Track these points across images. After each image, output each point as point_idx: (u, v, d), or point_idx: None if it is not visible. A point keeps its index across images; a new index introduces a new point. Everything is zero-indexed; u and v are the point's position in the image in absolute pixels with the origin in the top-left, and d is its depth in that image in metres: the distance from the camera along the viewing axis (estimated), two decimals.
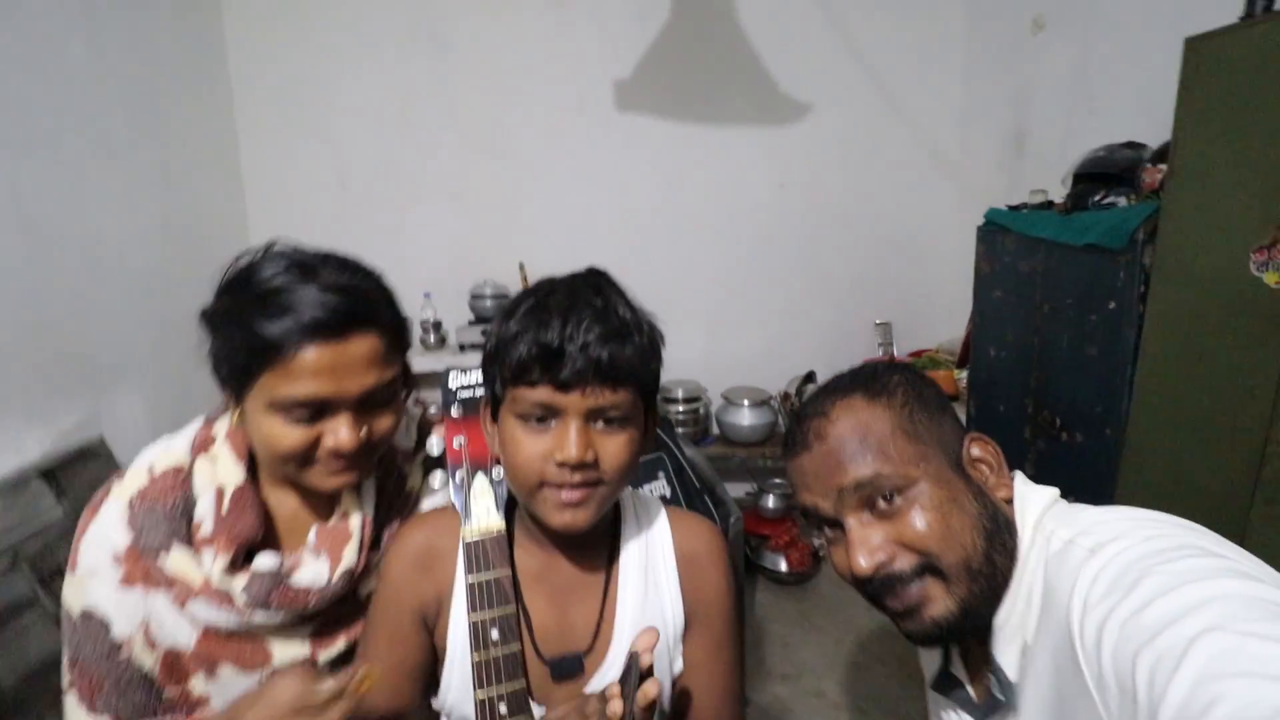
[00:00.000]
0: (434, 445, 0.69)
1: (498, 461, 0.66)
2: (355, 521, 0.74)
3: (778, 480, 2.69)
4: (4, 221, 1.65)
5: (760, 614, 2.35)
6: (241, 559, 0.69)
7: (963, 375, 2.45)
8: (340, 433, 0.65)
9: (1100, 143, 1.85)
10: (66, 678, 0.67)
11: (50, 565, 1.56)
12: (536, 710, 0.64)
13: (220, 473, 0.70)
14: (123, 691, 0.65)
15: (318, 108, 2.68)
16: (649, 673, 0.53)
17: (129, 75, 2.09)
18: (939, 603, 0.59)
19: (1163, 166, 1.51)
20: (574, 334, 0.58)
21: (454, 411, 0.69)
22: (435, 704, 0.70)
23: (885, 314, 2.97)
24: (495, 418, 0.65)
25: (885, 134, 2.86)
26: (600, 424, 0.61)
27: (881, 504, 0.60)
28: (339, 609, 0.72)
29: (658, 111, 2.78)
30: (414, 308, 0.65)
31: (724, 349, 2.96)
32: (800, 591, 2.49)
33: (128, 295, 2.03)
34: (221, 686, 0.69)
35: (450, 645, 0.66)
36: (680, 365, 2.84)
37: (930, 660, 0.75)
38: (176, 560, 0.67)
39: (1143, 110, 1.88)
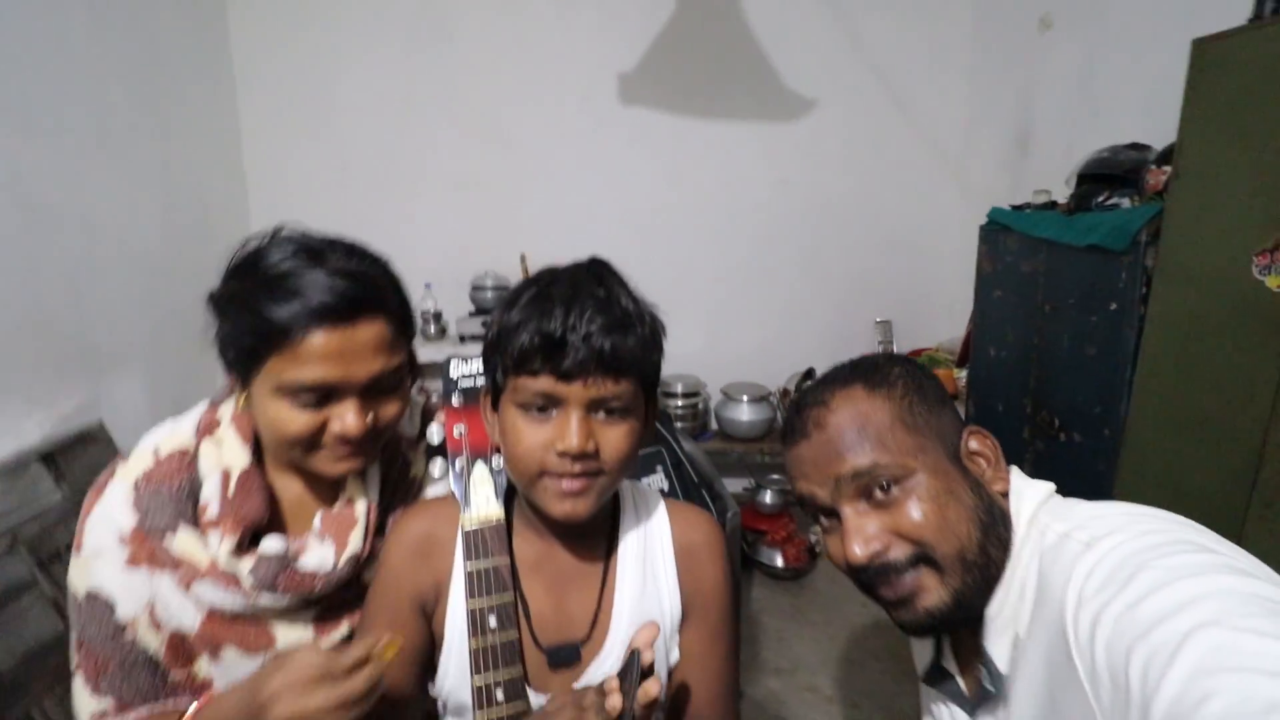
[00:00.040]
0: (434, 434, 0.69)
1: (497, 450, 0.67)
2: (360, 507, 0.74)
3: (775, 476, 2.70)
4: (4, 206, 1.64)
5: (756, 608, 2.36)
6: (247, 542, 0.69)
7: (962, 374, 2.45)
8: (347, 418, 0.65)
9: (1105, 143, 1.85)
10: (74, 659, 0.67)
11: (49, 549, 1.56)
12: (533, 697, 0.64)
13: (226, 456, 0.70)
14: (127, 673, 0.65)
15: (321, 96, 2.67)
16: (650, 670, 0.53)
17: (131, 60, 2.08)
18: (933, 593, 0.59)
19: (1167, 168, 1.51)
20: (576, 324, 0.58)
21: (454, 400, 0.69)
22: (432, 690, 0.70)
23: (886, 312, 2.97)
24: (495, 407, 0.65)
25: (889, 132, 2.85)
26: (601, 414, 0.61)
27: (878, 494, 0.60)
28: (342, 594, 0.73)
29: (661, 105, 2.77)
30: (415, 298, 0.66)
31: (724, 344, 2.96)
32: (796, 587, 2.50)
33: (128, 280, 2.03)
34: (225, 669, 0.69)
35: (448, 632, 0.67)
36: (680, 360, 2.85)
37: (922, 653, 0.75)
38: (183, 541, 0.67)
39: (1148, 112, 1.88)
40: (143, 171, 2.12)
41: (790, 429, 0.67)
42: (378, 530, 0.75)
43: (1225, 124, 1.30)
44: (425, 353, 2.49)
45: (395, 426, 0.72)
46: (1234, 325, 1.27)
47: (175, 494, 0.67)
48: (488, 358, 0.65)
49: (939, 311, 2.95)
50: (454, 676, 0.66)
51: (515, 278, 2.68)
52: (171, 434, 0.72)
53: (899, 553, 0.60)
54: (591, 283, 0.61)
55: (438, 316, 2.65)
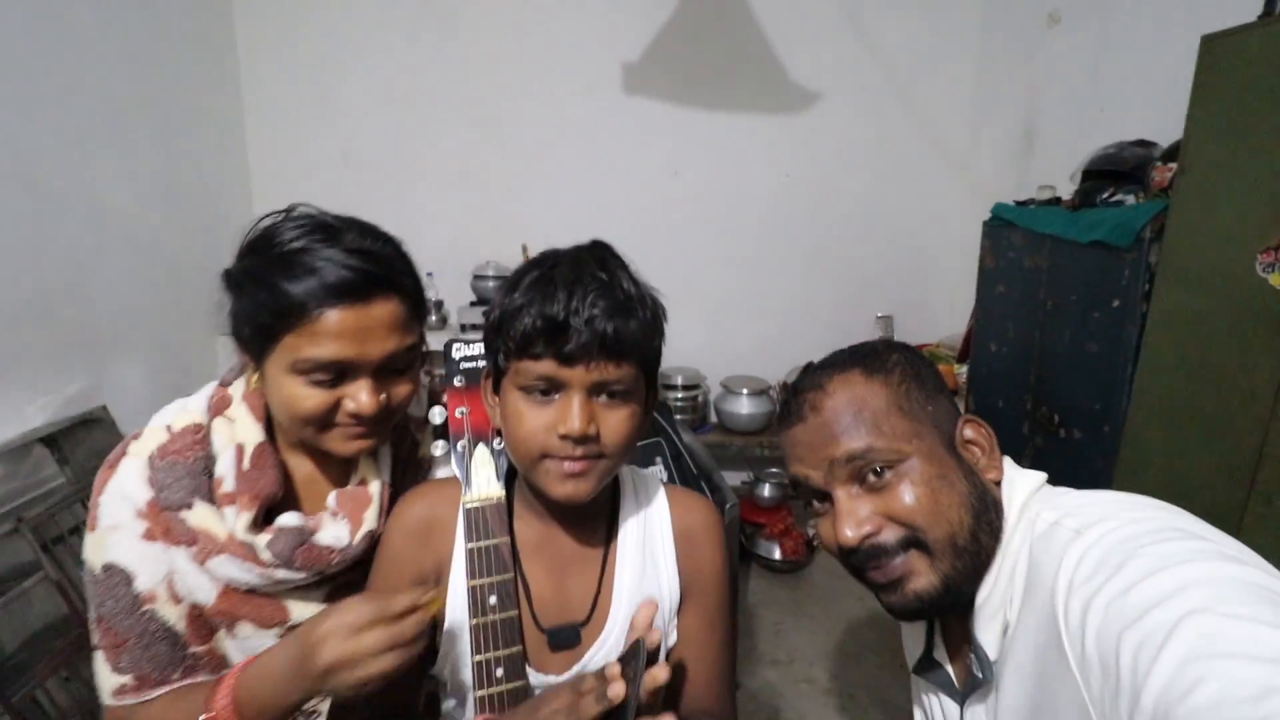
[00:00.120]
0: (436, 415, 0.70)
1: (498, 432, 0.67)
2: (374, 487, 0.74)
3: (774, 469, 2.70)
4: (9, 191, 1.64)
5: (753, 601, 2.37)
6: (262, 519, 0.69)
7: (963, 370, 2.45)
8: (360, 397, 0.66)
9: (1111, 140, 1.84)
10: (94, 635, 0.67)
11: (53, 532, 1.57)
12: (533, 676, 0.65)
13: (239, 432, 0.70)
14: (146, 646, 0.66)
15: (324, 83, 2.66)
16: (656, 656, 0.53)
17: (136, 48, 2.08)
18: (922, 577, 0.60)
19: (1172, 165, 1.50)
20: (579, 307, 0.58)
21: (456, 382, 0.69)
22: (433, 672, 0.70)
23: (887, 307, 2.97)
24: (497, 389, 0.65)
25: (894, 126, 2.84)
26: (603, 397, 0.61)
27: (871, 477, 0.61)
28: (352, 574, 0.73)
29: (665, 96, 2.76)
30: None
31: (724, 337, 2.96)
32: (793, 580, 2.51)
33: (132, 266, 2.03)
34: (240, 643, 0.70)
35: (449, 613, 0.67)
36: (680, 352, 2.85)
37: (913, 644, 0.75)
38: (200, 515, 0.67)
39: (1155, 108, 1.87)
40: (147, 159, 2.12)
41: (786, 411, 0.67)
42: (390, 509, 0.76)
43: (1232, 121, 1.29)
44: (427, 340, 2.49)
45: (407, 407, 0.73)
46: (1236, 323, 1.27)
47: (190, 468, 0.68)
48: (489, 340, 0.65)
49: (941, 307, 2.94)
50: (454, 657, 0.67)
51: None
52: (183, 410, 0.72)
53: (890, 536, 0.60)
54: (593, 265, 0.61)
55: (439, 305, 2.65)
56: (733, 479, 2.84)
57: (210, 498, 0.68)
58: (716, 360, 2.89)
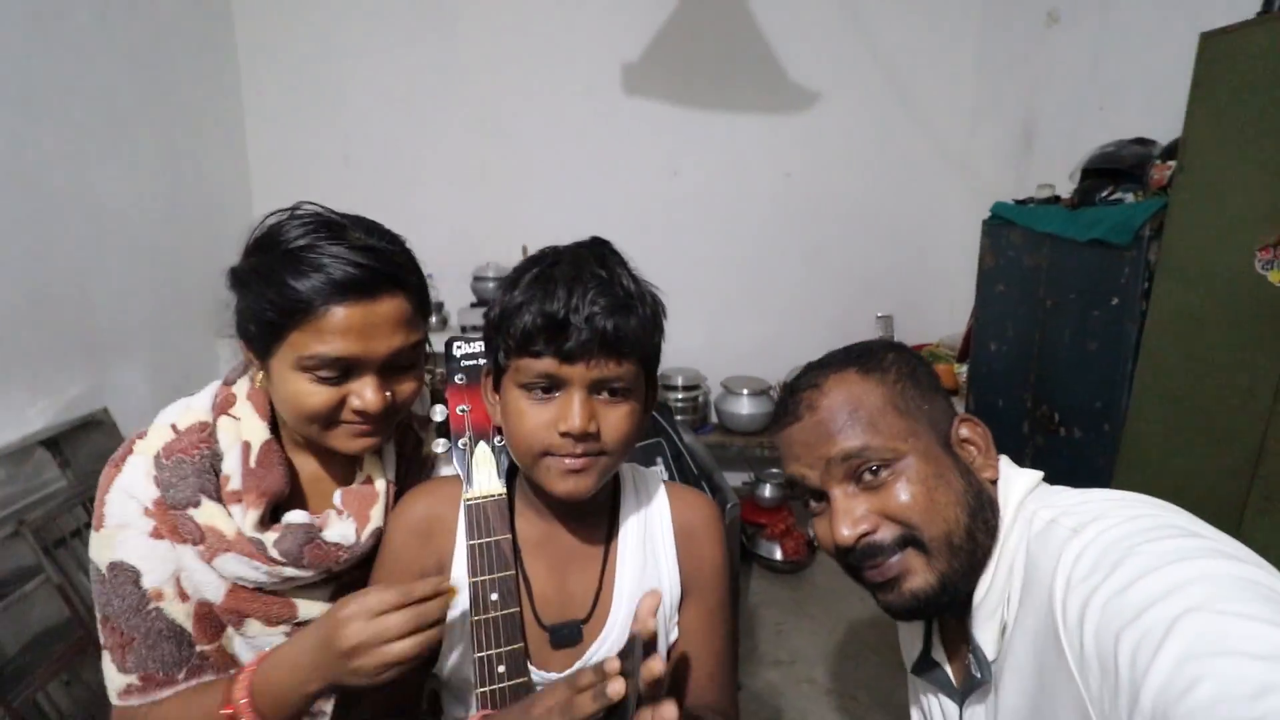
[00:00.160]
0: (438, 412, 0.70)
1: (499, 430, 0.67)
2: (380, 484, 0.75)
3: (775, 470, 2.70)
4: (10, 193, 1.64)
5: (755, 601, 2.37)
6: (269, 517, 0.70)
7: (963, 370, 2.45)
8: (366, 394, 0.66)
9: (1110, 138, 1.84)
10: (101, 636, 0.68)
11: (53, 534, 1.57)
12: (534, 674, 0.65)
13: (245, 430, 0.70)
14: (152, 645, 0.66)
15: (324, 84, 2.66)
16: (653, 645, 0.52)
17: (136, 49, 2.08)
18: (919, 575, 0.60)
19: (1171, 163, 1.51)
20: (579, 305, 0.58)
21: (458, 379, 0.70)
22: (435, 670, 0.70)
23: (887, 307, 2.97)
24: (497, 387, 0.65)
25: (894, 126, 2.84)
26: (604, 395, 0.61)
27: (868, 476, 0.61)
28: (357, 572, 0.73)
29: (665, 96, 2.76)
30: None
31: (725, 338, 2.96)
32: (795, 580, 2.51)
33: (132, 268, 2.04)
34: (248, 640, 0.70)
35: (451, 610, 0.67)
36: (680, 353, 2.85)
37: (910, 645, 0.75)
38: (207, 513, 0.67)
39: (1154, 106, 1.87)
40: (147, 161, 2.12)
41: (783, 411, 0.67)
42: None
43: (1231, 119, 1.29)
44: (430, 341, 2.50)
45: (411, 405, 0.73)
46: (1236, 320, 1.27)
47: (197, 466, 0.68)
48: (489, 338, 0.65)
49: (941, 307, 2.94)
50: (456, 655, 0.67)
51: None
52: (187, 409, 0.72)
53: (886, 534, 0.60)
54: (593, 263, 0.61)
55: (439, 307, 2.66)
56: (734, 480, 2.84)
57: (217, 495, 0.68)
58: (717, 361, 2.89)
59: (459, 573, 0.67)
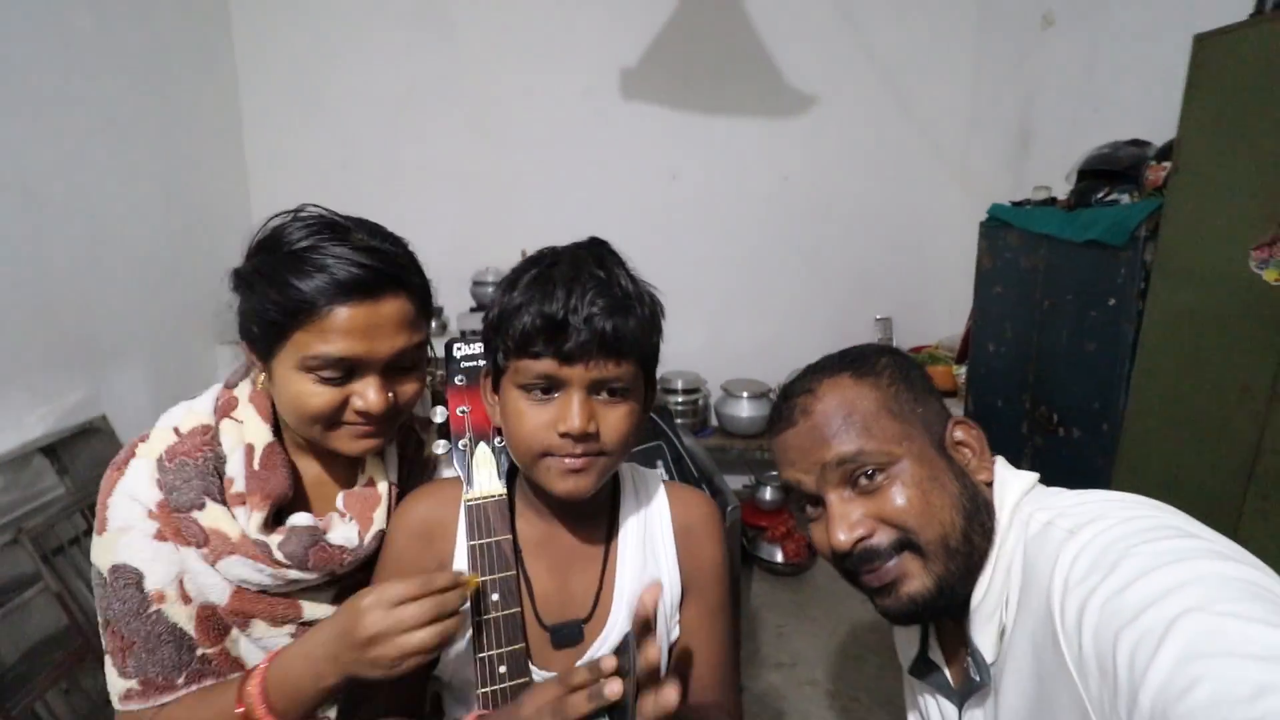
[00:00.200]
0: (438, 413, 0.70)
1: (498, 431, 0.67)
2: (382, 486, 0.75)
3: (775, 473, 2.70)
4: (8, 200, 1.65)
5: (756, 604, 2.37)
6: (272, 520, 0.70)
7: (962, 371, 2.46)
8: (369, 394, 0.66)
9: (1106, 140, 1.85)
10: (103, 641, 0.67)
11: (52, 542, 1.57)
12: (536, 673, 0.65)
13: (247, 433, 0.71)
14: (152, 649, 0.65)
15: (322, 89, 2.67)
16: (646, 628, 0.52)
17: (134, 55, 2.09)
18: (916, 579, 0.60)
19: (1167, 164, 1.51)
20: (578, 306, 0.58)
21: (458, 380, 0.70)
22: (437, 672, 0.70)
23: (886, 309, 2.98)
24: (496, 387, 0.65)
25: (891, 129, 2.86)
26: (603, 395, 0.62)
27: (863, 481, 0.61)
28: (360, 574, 0.73)
29: (663, 100, 2.77)
30: None
31: (724, 341, 2.97)
32: (796, 583, 2.50)
33: (130, 275, 2.04)
34: (254, 642, 0.70)
35: None
36: (680, 356, 2.85)
37: (907, 646, 0.75)
38: (212, 515, 0.67)
39: (1149, 108, 1.88)
40: (145, 167, 2.13)
41: (777, 416, 0.67)
42: None
43: (1225, 119, 1.30)
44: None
45: (413, 406, 0.73)
46: (1232, 319, 1.28)
47: (200, 469, 0.68)
48: (488, 339, 0.65)
49: (939, 309, 2.95)
50: (458, 656, 0.67)
51: None
52: (189, 412, 0.72)
53: (882, 538, 0.60)
54: (591, 263, 0.61)
55: (439, 312, 2.66)
56: (734, 483, 2.84)
57: (221, 498, 0.68)
58: (716, 363, 2.89)
59: None
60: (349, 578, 0.73)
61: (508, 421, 0.63)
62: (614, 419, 0.62)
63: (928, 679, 0.70)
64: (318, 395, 0.65)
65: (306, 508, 0.74)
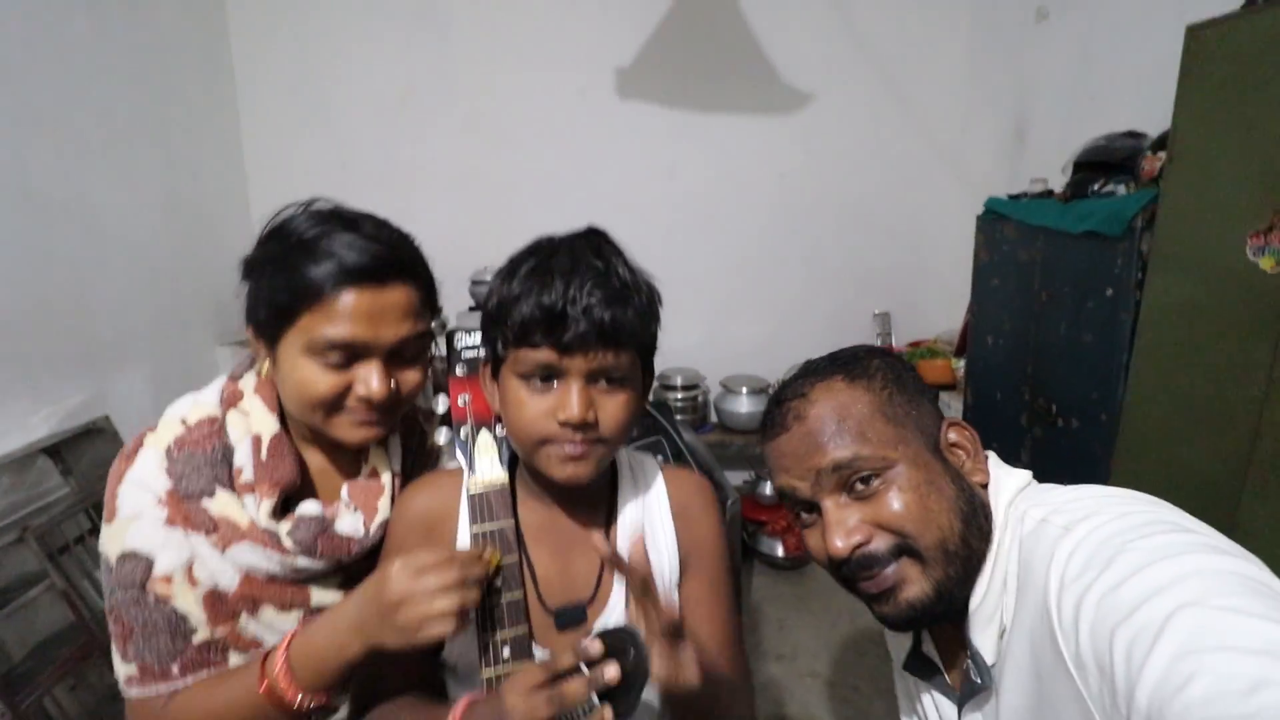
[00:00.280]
0: (440, 402, 0.71)
1: (499, 418, 0.68)
2: (385, 477, 0.76)
3: None
4: (9, 203, 1.65)
5: (757, 597, 2.38)
6: (280, 508, 0.70)
7: (960, 364, 2.47)
8: (371, 381, 0.67)
9: (1101, 131, 1.86)
10: (109, 627, 0.68)
11: (57, 541, 1.58)
12: (539, 653, 0.66)
13: (254, 423, 0.72)
14: (148, 636, 0.66)
15: (320, 90, 2.68)
16: (644, 588, 0.53)
17: (132, 57, 2.09)
18: (915, 585, 0.59)
19: (1162, 154, 1.52)
20: (576, 296, 0.59)
21: (459, 370, 0.71)
22: (443, 656, 0.71)
23: (884, 304, 2.98)
24: (495, 375, 0.66)
25: (886, 124, 2.86)
26: (601, 384, 0.62)
27: (859, 486, 0.60)
28: (366, 563, 0.74)
29: (659, 99, 2.78)
30: None
31: (723, 337, 2.97)
32: (796, 576, 2.51)
33: (131, 276, 2.04)
34: (264, 625, 0.71)
35: None
36: (679, 353, 2.86)
37: (898, 641, 0.75)
38: (221, 503, 0.68)
39: (1144, 99, 1.89)
40: (145, 169, 2.13)
41: (770, 422, 0.67)
42: None
43: (1219, 108, 1.31)
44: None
45: (415, 397, 0.74)
46: (1228, 307, 1.29)
47: (210, 457, 0.69)
48: (487, 328, 0.66)
49: (937, 303, 2.96)
50: (462, 640, 0.67)
51: None
52: (196, 404, 0.73)
53: (880, 544, 0.59)
54: (589, 253, 0.62)
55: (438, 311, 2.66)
56: (734, 478, 2.85)
57: (230, 486, 0.69)
58: (715, 360, 2.90)
59: None
60: (355, 566, 0.74)
61: (507, 409, 0.64)
62: (612, 407, 0.62)
63: (930, 681, 0.69)
64: (321, 380, 0.66)
65: (314, 497, 0.75)
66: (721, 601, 0.73)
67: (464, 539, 0.69)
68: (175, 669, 0.67)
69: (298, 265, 0.65)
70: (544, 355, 0.60)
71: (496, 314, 0.63)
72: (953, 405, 2.37)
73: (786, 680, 1.96)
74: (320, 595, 0.73)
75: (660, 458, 1.99)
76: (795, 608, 2.31)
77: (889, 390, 0.63)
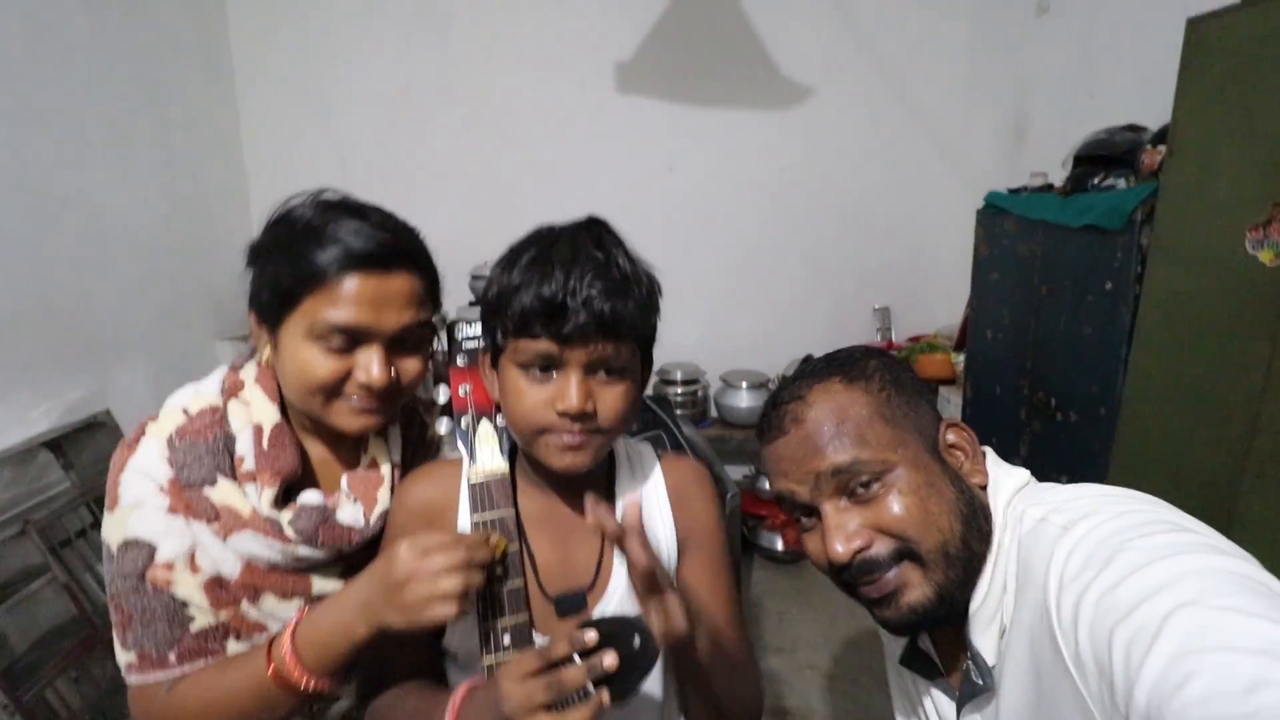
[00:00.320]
0: (441, 393, 0.71)
1: (499, 408, 0.68)
2: (385, 468, 0.76)
3: None
4: (10, 200, 1.66)
5: (757, 591, 2.39)
6: (281, 498, 0.71)
7: (960, 358, 2.47)
8: (372, 367, 0.67)
9: (1101, 125, 1.86)
10: (111, 615, 0.69)
11: (59, 534, 1.58)
12: (539, 640, 0.66)
13: (255, 413, 0.72)
14: (146, 624, 0.66)
15: (319, 87, 2.68)
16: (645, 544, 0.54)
17: (132, 54, 2.09)
18: (916, 589, 0.59)
19: (1162, 148, 1.52)
20: (577, 288, 0.59)
21: (460, 360, 0.71)
22: (444, 644, 0.72)
23: (884, 299, 2.98)
24: (495, 363, 0.66)
25: (887, 119, 2.86)
26: (600, 374, 0.63)
27: (859, 490, 0.60)
28: (366, 553, 0.74)
29: (659, 94, 2.77)
30: None
31: (723, 332, 2.97)
32: (795, 569, 2.52)
33: (131, 272, 2.05)
34: (264, 612, 0.71)
35: None
36: (679, 347, 2.86)
37: (894, 636, 0.74)
38: (223, 492, 0.68)
39: (1145, 93, 1.89)
40: (145, 164, 2.13)
41: (767, 425, 0.66)
42: None
43: (1218, 102, 1.31)
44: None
45: (415, 387, 0.74)
46: (1227, 300, 1.29)
47: (210, 447, 0.69)
48: (486, 318, 0.66)
49: (937, 298, 2.96)
50: (462, 628, 0.68)
51: None
52: (197, 394, 0.73)
53: (881, 549, 0.59)
54: (590, 244, 0.62)
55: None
56: (734, 473, 2.86)
57: (232, 475, 0.69)
58: (715, 355, 2.90)
59: None
60: (356, 555, 0.74)
61: (506, 398, 0.64)
62: (611, 398, 0.63)
63: (928, 679, 0.69)
64: (322, 364, 0.67)
65: (314, 487, 0.76)
66: (721, 583, 0.74)
67: (464, 528, 0.69)
68: (172, 657, 0.67)
69: (304, 249, 0.65)
70: (543, 346, 0.60)
71: (496, 303, 0.63)
72: (952, 399, 2.37)
73: (786, 673, 1.97)
74: (321, 584, 0.73)
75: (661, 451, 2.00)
76: (795, 601, 2.32)
77: (887, 391, 0.63)
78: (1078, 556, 0.50)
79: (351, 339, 0.67)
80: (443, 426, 0.72)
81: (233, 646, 0.70)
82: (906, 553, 0.59)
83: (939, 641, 0.69)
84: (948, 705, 0.67)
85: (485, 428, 0.69)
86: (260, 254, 0.69)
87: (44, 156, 1.76)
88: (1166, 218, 1.43)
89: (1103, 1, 2.15)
